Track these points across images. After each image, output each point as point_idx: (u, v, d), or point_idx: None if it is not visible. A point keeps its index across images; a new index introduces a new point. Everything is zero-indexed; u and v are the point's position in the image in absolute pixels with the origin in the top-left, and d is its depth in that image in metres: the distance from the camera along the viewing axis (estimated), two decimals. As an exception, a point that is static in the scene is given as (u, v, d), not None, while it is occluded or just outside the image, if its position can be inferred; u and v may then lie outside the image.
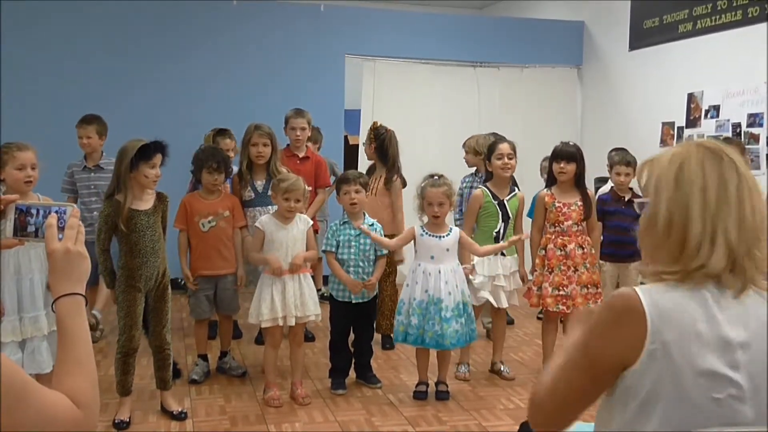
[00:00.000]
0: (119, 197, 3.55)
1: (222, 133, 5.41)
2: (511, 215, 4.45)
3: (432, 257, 4.06)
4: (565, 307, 4.30)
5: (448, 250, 4.07)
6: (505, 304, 4.52)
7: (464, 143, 5.43)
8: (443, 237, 4.07)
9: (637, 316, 1.36)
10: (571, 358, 1.46)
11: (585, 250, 4.36)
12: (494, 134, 5.40)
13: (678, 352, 1.35)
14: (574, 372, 1.45)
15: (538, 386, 1.53)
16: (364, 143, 5.41)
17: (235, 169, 4.75)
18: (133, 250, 3.57)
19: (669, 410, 1.35)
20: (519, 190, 4.64)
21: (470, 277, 4.35)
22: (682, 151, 1.47)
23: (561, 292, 4.30)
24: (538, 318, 5.70)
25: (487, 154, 4.62)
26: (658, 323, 1.35)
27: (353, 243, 4.18)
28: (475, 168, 5.28)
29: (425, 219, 4.13)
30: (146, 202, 3.62)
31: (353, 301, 4.20)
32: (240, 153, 4.78)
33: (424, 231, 4.10)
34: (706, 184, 1.42)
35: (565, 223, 4.34)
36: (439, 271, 4.03)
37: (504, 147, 4.45)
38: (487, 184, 4.58)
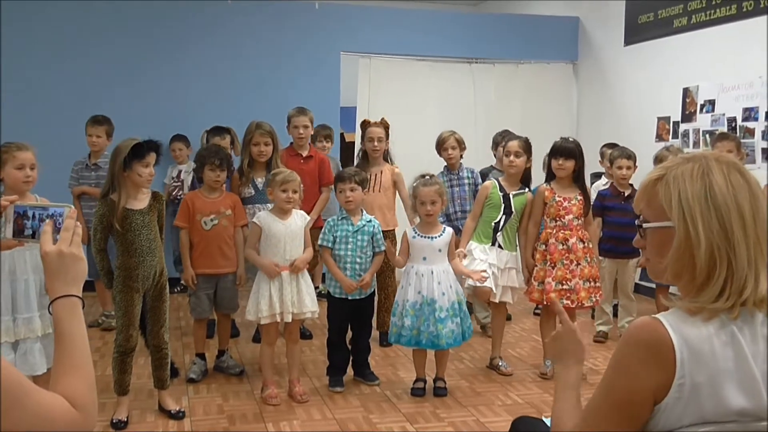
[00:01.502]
0: (114, 197, 3.54)
1: (217, 132, 5.40)
2: (514, 210, 4.44)
3: (424, 258, 4.06)
4: (569, 302, 4.29)
5: (440, 250, 4.07)
6: (490, 285, 4.35)
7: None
8: (435, 237, 4.07)
9: (665, 349, 1.30)
10: (598, 404, 1.38)
11: (585, 244, 4.37)
12: (507, 131, 5.39)
13: (708, 393, 1.30)
14: (602, 417, 1.36)
15: None
16: (375, 143, 5.15)
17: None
18: (129, 250, 3.56)
19: None
20: (530, 190, 4.55)
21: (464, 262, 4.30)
22: (699, 166, 1.37)
23: (565, 286, 4.30)
24: (535, 314, 5.70)
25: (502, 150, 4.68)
26: (688, 363, 1.30)
27: (350, 239, 4.17)
28: (444, 165, 5.19)
29: (417, 220, 4.13)
30: (141, 202, 3.61)
31: (350, 298, 4.19)
32: (241, 151, 4.81)
33: (416, 233, 4.11)
34: (740, 206, 1.33)
35: (566, 217, 4.34)
36: (432, 272, 4.02)
37: (510, 145, 4.46)
38: (499, 177, 4.64)
